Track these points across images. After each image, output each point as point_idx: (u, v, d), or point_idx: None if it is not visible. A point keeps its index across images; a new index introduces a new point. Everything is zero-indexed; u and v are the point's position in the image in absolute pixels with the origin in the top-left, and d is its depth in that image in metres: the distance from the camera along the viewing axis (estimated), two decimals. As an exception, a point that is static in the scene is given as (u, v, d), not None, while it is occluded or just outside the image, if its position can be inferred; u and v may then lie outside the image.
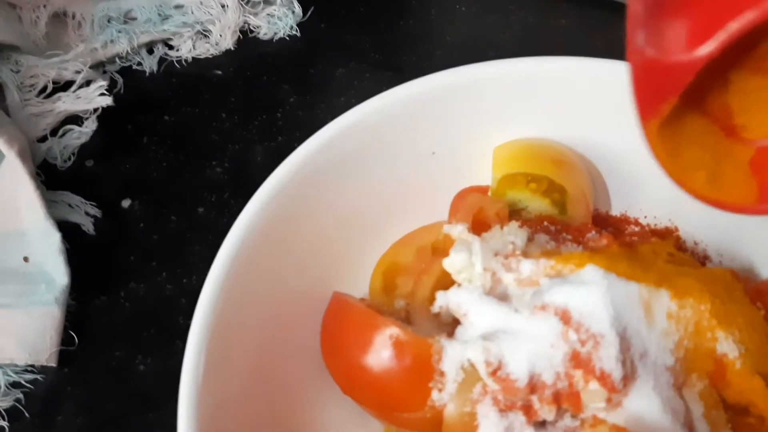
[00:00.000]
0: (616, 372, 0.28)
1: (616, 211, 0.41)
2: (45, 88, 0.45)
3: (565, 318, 0.29)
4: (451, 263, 0.33)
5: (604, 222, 0.40)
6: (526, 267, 0.31)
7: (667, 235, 0.40)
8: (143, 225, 0.43)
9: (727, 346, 0.30)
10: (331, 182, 0.37)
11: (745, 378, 0.30)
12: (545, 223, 0.37)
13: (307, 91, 0.49)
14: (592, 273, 0.30)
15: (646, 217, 0.41)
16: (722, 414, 0.30)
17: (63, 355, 0.38)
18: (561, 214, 0.38)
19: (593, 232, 0.36)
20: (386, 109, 0.37)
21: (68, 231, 0.41)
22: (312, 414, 0.34)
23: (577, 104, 0.40)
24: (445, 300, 0.32)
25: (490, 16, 0.53)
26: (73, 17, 0.48)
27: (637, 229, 0.40)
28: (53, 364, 0.37)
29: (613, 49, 0.43)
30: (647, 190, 0.40)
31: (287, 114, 0.48)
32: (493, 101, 0.39)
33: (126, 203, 0.43)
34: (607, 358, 0.28)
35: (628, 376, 0.28)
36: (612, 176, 0.41)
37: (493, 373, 0.29)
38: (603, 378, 0.28)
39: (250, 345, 0.33)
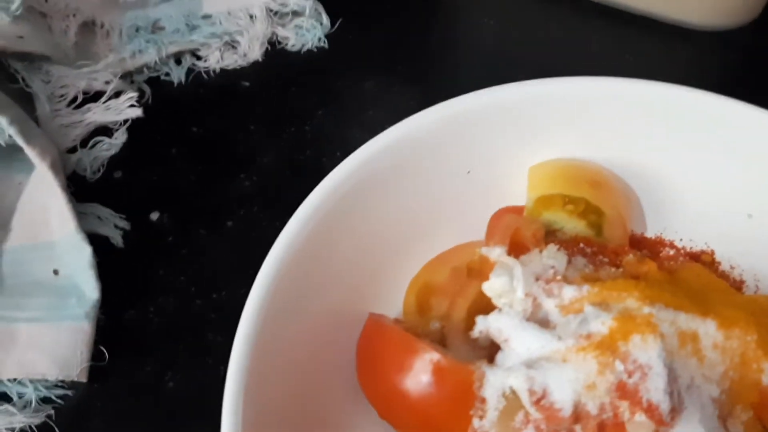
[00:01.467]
0: (664, 404, 0.27)
1: (651, 233, 0.40)
2: (75, 98, 0.44)
3: (611, 348, 0.28)
4: (492, 287, 0.32)
5: (639, 244, 0.40)
6: (569, 293, 0.31)
7: (703, 258, 0.39)
8: (172, 238, 0.42)
9: (772, 378, 0.30)
10: (368, 201, 0.36)
11: (791, 410, 0.30)
12: (581, 245, 0.37)
13: (335, 103, 0.49)
14: (636, 302, 0.29)
15: (681, 239, 0.40)
16: (767, 446, 0.29)
17: (93, 371, 0.38)
18: (597, 236, 0.38)
19: (631, 255, 0.36)
20: (423, 129, 0.37)
21: (97, 243, 0.41)
22: (346, 436, 0.34)
23: (613, 124, 0.39)
24: (485, 325, 0.32)
25: (517, 30, 0.53)
26: (102, 26, 0.48)
27: (672, 252, 0.40)
28: (84, 379, 0.37)
29: (645, 67, 0.43)
30: (683, 211, 0.40)
31: (315, 126, 0.47)
32: (530, 121, 0.39)
33: (155, 216, 0.43)
34: (655, 390, 0.27)
35: (676, 408, 0.28)
36: (648, 197, 0.40)
37: (537, 402, 0.28)
38: (650, 410, 0.27)
39: (288, 365, 0.32)
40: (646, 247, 0.40)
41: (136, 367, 0.38)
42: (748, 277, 0.39)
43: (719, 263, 0.39)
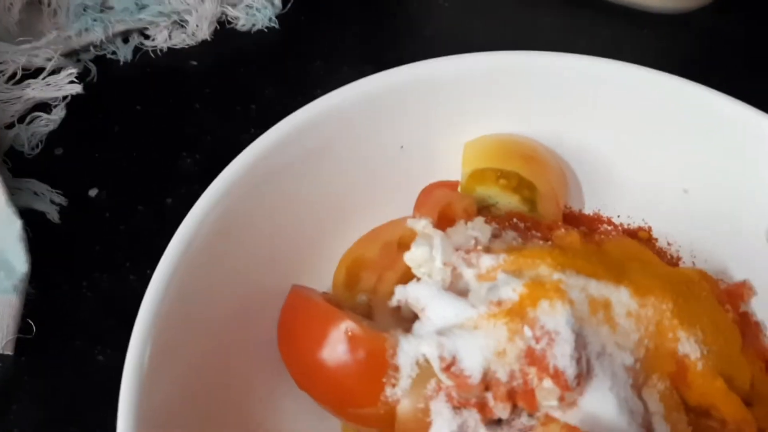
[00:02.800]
0: (569, 370, 0.27)
1: (589, 210, 0.40)
2: (14, 74, 0.44)
3: (521, 314, 0.28)
4: (412, 257, 0.32)
5: (576, 220, 0.40)
6: (486, 262, 0.31)
7: (640, 234, 0.39)
8: (109, 215, 0.42)
9: (689, 347, 0.30)
10: (295, 175, 0.36)
11: (707, 380, 0.29)
12: (514, 220, 0.37)
13: (284, 84, 0.48)
14: (548, 269, 0.29)
15: (619, 216, 0.40)
16: (683, 416, 0.29)
17: (21, 344, 0.37)
18: (531, 212, 0.37)
19: (562, 230, 0.36)
20: (352, 101, 0.36)
21: (33, 219, 0.40)
22: (268, 410, 0.33)
23: (551, 101, 0.39)
24: (403, 294, 0.32)
25: (471, 13, 0.52)
26: (49, 5, 0.48)
27: (609, 228, 0.40)
28: (9, 352, 0.37)
29: (597, 48, 0.43)
30: (621, 188, 0.40)
31: (262, 107, 0.47)
32: (465, 95, 0.38)
33: (93, 192, 0.43)
34: (562, 356, 0.27)
35: (583, 375, 0.27)
36: (586, 174, 0.40)
37: (447, 369, 0.28)
38: (556, 376, 0.27)
39: (202, 339, 0.32)
40: (584, 223, 0.40)
41: (66, 341, 0.38)
42: (685, 254, 0.39)
43: (656, 240, 0.39)
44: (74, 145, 0.44)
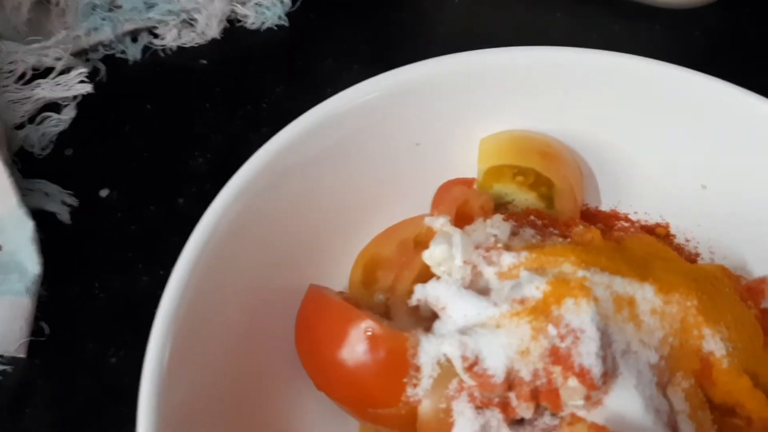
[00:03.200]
0: (595, 368, 0.26)
1: (606, 207, 0.40)
2: (24, 74, 0.44)
3: (545, 312, 0.28)
4: (431, 256, 0.32)
5: (593, 217, 0.39)
6: (507, 260, 0.30)
7: (657, 231, 0.39)
8: (121, 215, 0.42)
9: (714, 344, 0.29)
10: (311, 173, 0.36)
11: (732, 377, 0.29)
12: (532, 217, 0.36)
13: (294, 82, 0.48)
14: (572, 266, 0.29)
15: (636, 213, 0.39)
16: (708, 414, 0.29)
17: (33, 346, 0.37)
18: (548, 208, 0.37)
19: (581, 227, 0.35)
20: (367, 99, 0.36)
21: (44, 220, 0.40)
22: (285, 410, 0.33)
23: (567, 96, 0.39)
24: (423, 293, 0.31)
25: (483, 10, 0.52)
26: (57, 4, 0.47)
27: (627, 224, 0.39)
28: (23, 355, 0.36)
29: (608, 43, 0.42)
30: (638, 185, 0.39)
31: (273, 105, 0.47)
32: (481, 92, 0.38)
33: (104, 193, 0.42)
34: (587, 354, 0.27)
35: (609, 373, 0.27)
36: (602, 171, 0.40)
37: (470, 369, 0.28)
38: (582, 374, 0.26)
39: (220, 338, 0.31)
40: (600, 220, 0.39)
41: (78, 343, 0.38)
42: (703, 249, 0.38)
43: (674, 236, 0.39)
44: (85, 145, 0.44)
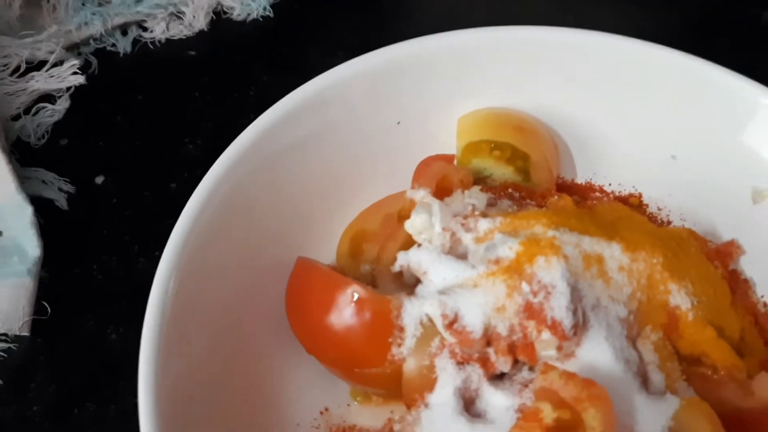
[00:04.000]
0: (566, 320, 0.28)
1: (581, 179, 0.41)
2: (18, 67, 0.45)
3: (518, 271, 0.29)
4: (412, 225, 0.33)
5: (569, 189, 0.41)
6: (483, 225, 0.32)
7: (631, 201, 0.40)
8: (116, 200, 0.43)
9: (679, 299, 0.31)
10: (296, 152, 0.37)
11: (698, 329, 0.31)
12: (509, 190, 0.38)
13: (280, 70, 0.50)
14: (543, 228, 0.30)
15: (610, 184, 0.41)
16: (676, 365, 0.30)
17: (36, 325, 0.38)
18: (525, 181, 0.39)
19: (556, 197, 0.37)
20: (349, 79, 0.38)
21: (43, 206, 0.42)
22: (278, 377, 0.35)
23: (543, 74, 0.40)
24: (406, 259, 0.33)
25: (463, -2, 0.54)
26: (48, 0, 0.49)
27: (601, 195, 0.41)
28: (26, 333, 0.38)
29: (584, 25, 0.44)
30: (612, 157, 0.41)
31: (260, 92, 0.48)
32: (458, 71, 0.40)
33: (99, 180, 0.44)
34: (558, 308, 0.28)
35: (579, 326, 0.29)
36: (577, 145, 0.42)
37: (450, 326, 0.29)
38: (554, 326, 0.28)
39: (213, 311, 0.33)
40: (576, 192, 0.41)
41: (79, 321, 0.39)
42: (675, 218, 0.40)
43: (647, 205, 0.40)
44: (79, 134, 0.45)
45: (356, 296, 0.31)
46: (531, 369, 0.30)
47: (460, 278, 0.31)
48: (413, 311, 0.31)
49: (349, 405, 0.35)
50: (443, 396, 0.29)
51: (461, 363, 0.30)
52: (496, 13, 0.52)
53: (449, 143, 0.40)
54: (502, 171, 0.39)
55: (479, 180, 0.39)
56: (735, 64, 0.39)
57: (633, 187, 0.41)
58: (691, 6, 0.53)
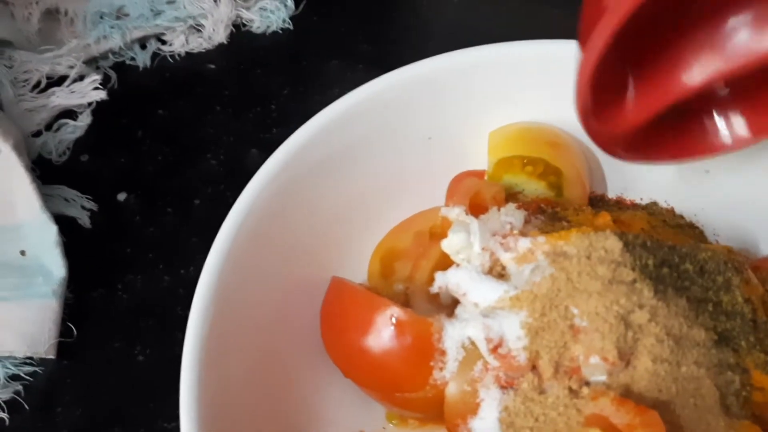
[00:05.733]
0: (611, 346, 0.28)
1: (612, 194, 0.41)
2: (39, 83, 0.45)
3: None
4: (450, 244, 0.33)
5: (600, 204, 0.40)
6: (523, 245, 0.32)
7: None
8: (139, 218, 0.43)
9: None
10: (327, 170, 0.37)
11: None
12: (542, 205, 0.38)
13: (301, 83, 0.49)
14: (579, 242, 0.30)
15: (642, 198, 0.41)
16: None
17: (62, 347, 0.38)
18: (557, 197, 0.38)
19: (589, 213, 0.36)
20: (379, 95, 0.37)
21: (65, 225, 0.41)
22: (314, 399, 0.34)
23: (571, 87, 0.40)
24: (444, 280, 0.32)
25: (482, 6, 0.53)
26: (66, 14, 0.48)
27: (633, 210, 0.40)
28: (52, 356, 0.37)
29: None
30: (643, 171, 0.40)
31: (281, 106, 0.48)
32: (488, 86, 0.39)
33: (122, 197, 0.43)
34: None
35: (626, 352, 0.28)
36: (608, 159, 0.40)
37: (494, 350, 0.29)
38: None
39: (249, 332, 0.33)
40: (608, 207, 0.40)
41: (105, 342, 0.39)
42: (708, 233, 0.39)
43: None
44: (100, 150, 0.45)
45: (395, 318, 0.31)
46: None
47: (502, 300, 0.30)
48: (455, 334, 0.30)
49: (384, 428, 0.34)
50: (487, 421, 0.29)
51: (505, 387, 0.29)
52: (513, 25, 0.52)
53: (480, 159, 0.39)
54: (534, 186, 0.38)
55: (511, 196, 0.38)
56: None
57: (665, 201, 0.40)
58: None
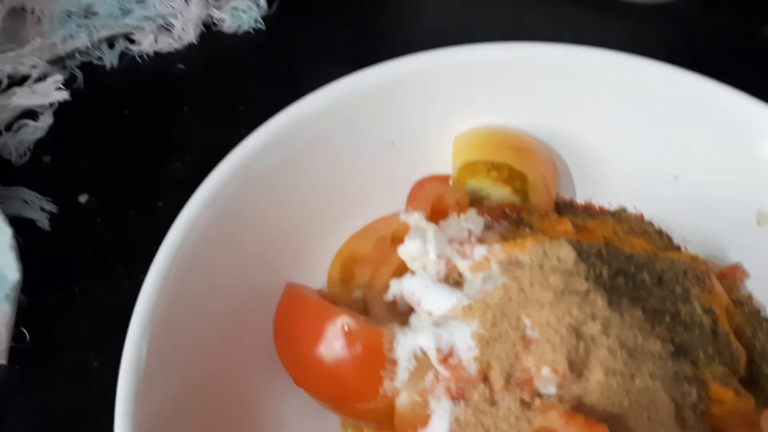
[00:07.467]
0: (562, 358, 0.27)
1: (580, 199, 0.40)
2: (0, 82, 0.44)
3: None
4: (406, 251, 0.32)
5: (568, 209, 0.40)
6: (479, 253, 0.31)
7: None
8: (100, 220, 0.42)
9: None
10: (286, 174, 0.36)
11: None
12: (507, 211, 0.37)
13: (272, 85, 0.48)
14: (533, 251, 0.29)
15: (610, 203, 0.40)
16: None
17: (14, 353, 0.37)
18: (523, 202, 0.38)
19: (554, 219, 0.36)
20: (340, 98, 0.36)
21: (23, 227, 0.40)
22: (265, 408, 0.33)
23: (540, 91, 0.39)
24: (399, 288, 0.31)
25: (457, 10, 0.52)
26: (32, 12, 0.48)
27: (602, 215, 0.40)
28: (3, 361, 0.36)
29: (581, 41, 0.43)
30: (612, 176, 0.40)
31: (251, 108, 0.47)
32: (453, 89, 0.38)
33: (83, 198, 0.43)
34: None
35: (577, 363, 0.27)
36: (576, 164, 0.40)
37: (444, 360, 0.28)
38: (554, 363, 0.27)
39: (197, 340, 0.32)
40: (575, 212, 0.40)
41: (60, 348, 0.38)
42: (677, 238, 0.39)
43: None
44: (62, 151, 0.44)
45: (347, 327, 0.30)
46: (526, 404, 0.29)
47: (455, 309, 0.29)
48: (407, 344, 0.30)
49: (339, 438, 0.33)
50: (438, 433, 0.28)
51: (456, 398, 0.29)
52: (489, 29, 0.51)
53: (444, 163, 0.39)
54: (499, 192, 0.37)
55: (475, 201, 0.38)
56: (737, 81, 0.38)
57: (634, 207, 0.40)
58: (689, 21, 0.52)
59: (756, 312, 0.36)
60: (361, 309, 0.34)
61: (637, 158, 0.39)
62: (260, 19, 0.50)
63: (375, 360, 0.30)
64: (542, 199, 0.37)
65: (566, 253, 0.29)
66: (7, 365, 0.37)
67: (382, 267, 0.35)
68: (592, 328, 0.27)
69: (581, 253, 0.29)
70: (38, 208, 0.41)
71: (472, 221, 0.33)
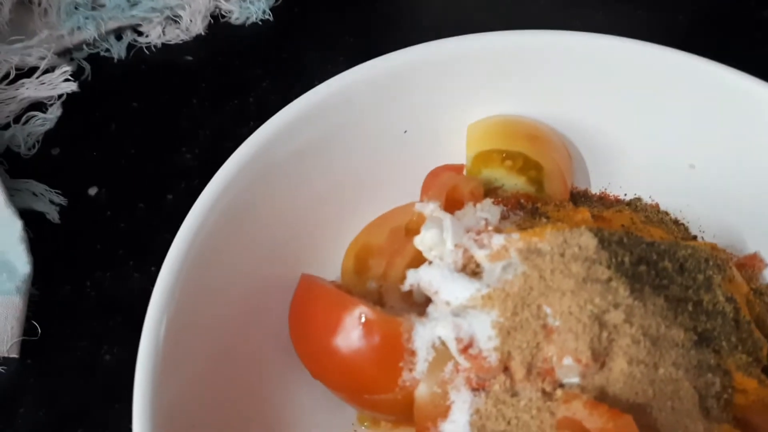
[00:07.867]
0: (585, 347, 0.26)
1: (595, 189, 0.40)
2: (8, 74, 0.43)
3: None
4: (422, 241, 0.31)
5: (583, 199, 0.39)
6: (497, 242, 0.30)
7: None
8: (110, 213, 0.42)
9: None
10: (299, 164, 0.36)
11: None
12: (521, 201, 0.36)
13: (280, 76, 0.48)
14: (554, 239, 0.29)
15: (626, 194, 0.40)
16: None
17: (25, 346, 0.37)
18: (538, 192, 0.37)
19: (570, 209, 0.35)
20: (353, 87, 0.36)
21: (33, 220, 0.40)
22: (282, 401, 0.33)
23: (553, 80, 0.39)
24: (415, 278, 0.31)
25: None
26: (39, 4, 0.47)
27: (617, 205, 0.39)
28: (15, 355, 0.36)
29: (591, 29, 0.43)
30: (627, 166, 0.39)
31: (259, 99, 0.47)
32: (466, 77, 0.38)
33: (93, 191, 0.42)
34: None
35: (601, 353, 0.27)
36: (591, 153, 0.40)
37: (464, 350, 0.28)
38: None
39: (213, 331, 0.31)
40: (591, 202, 0.39)
41: (71, 341, 0.37)
42: (693, 228, 0.38)
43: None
44: (71, 144, 0.44)
45: (364, 318, 0.30)
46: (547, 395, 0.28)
47: (474, 298, 0.29)
48: (425, 334, 0.29)
49: (355, 431, 0.33)
50: (458, 424, 0.28)
51: (476, 389, 0.28)
52: (496, 17, 0.50)
53: (458, 153, 0.38)
54: (514, 181, 0.37)
55: (490, 191, 0.37)
56: (751, 67, 0.38)
57: (650, 197, 0.39)
58: (700, 8, 0.52)
59: (775, 301, 0.35)
60: (376, 300, 0.34)
61: (653, 147, 0.39)
62: (268, 10, 0.49)
63: (393, 350, 0.29)
64: (557, 189, 0.37)
65: (587, 241, 0.28)
66: (19, 359, 0.36)
67: (396, 258, 0.35)
68: (615, 317, 0.27)
69: (602, 241, 0.29)
70: (48, 201, 0.41)
71: (488, 211, 0.33)
